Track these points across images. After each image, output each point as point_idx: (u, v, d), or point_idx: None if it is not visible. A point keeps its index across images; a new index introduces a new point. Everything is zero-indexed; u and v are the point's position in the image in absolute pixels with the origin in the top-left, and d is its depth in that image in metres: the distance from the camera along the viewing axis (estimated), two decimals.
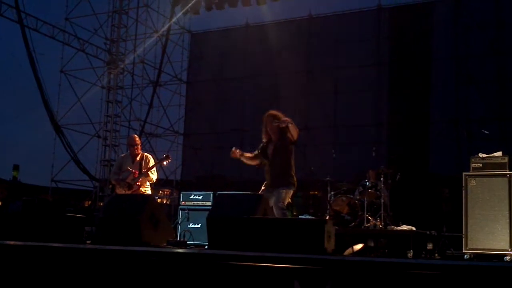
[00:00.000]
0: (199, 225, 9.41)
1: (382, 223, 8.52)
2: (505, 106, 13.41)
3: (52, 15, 16.16)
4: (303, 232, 5.18)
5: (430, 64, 14.66)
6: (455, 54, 14.17)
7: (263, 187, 6.64)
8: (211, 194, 9.86)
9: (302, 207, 10.77)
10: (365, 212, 8.64)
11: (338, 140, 14.86)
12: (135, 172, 7.44)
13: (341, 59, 15.40)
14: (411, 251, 7.46)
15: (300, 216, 9.25)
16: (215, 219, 6.05)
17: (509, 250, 6.50)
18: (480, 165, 6.90)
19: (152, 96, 16.23)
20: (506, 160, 6.79)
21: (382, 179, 9.03)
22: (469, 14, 13.90)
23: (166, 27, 16.07)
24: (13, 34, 15.75)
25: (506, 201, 6.61)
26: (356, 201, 9.04)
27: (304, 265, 3.75)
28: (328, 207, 9.19)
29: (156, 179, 7.74)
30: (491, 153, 6.97)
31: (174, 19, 15.93)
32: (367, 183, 9.24)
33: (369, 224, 8.60)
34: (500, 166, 6.79)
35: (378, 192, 8.95)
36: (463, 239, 6.80)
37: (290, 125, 6.34)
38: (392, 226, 8.50)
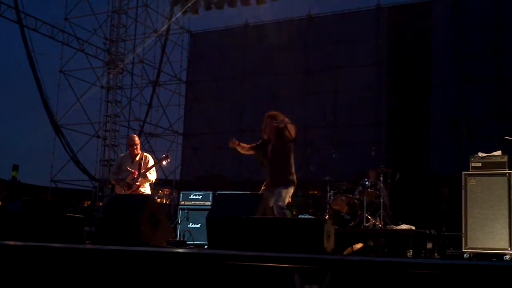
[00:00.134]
0: (198, 225, 9.41)
1: (382, 223, 8.52)
2: (504, 106, 13.41)
3: (51, 15, 16.17)
4: (303, 231, 5.18)
5: (429, 64, 14.66)
6: (455, 54, 14.16)
7: (263, 187, 6.65)
8: (211, 194, 9.86)
9: (301, 206, 10.77)
10: (365, 212, 8.64)
11: (338, 139, 14.85)
12: (134, 172, 7.44)
13: (340, 59, 15.40)
14: (411, 250, 7.46)
15: (299, 216, 9.25)
16: (215, 219, 6.05)
17: (509, 249, 6.51)
18: (480, 164, 6.90)
19: (152, 96, 16.23)
20: (505, 159, 6.79)
21: (381, 178, 9.03)
22: (468, 14, 13.89)
23: (165, 27, 16.07)
24: (12, 34, 15.73)
25: (506, 200, 6.61)
26: (356, 201, 9.04)
27: (304, 264, 3.75)
28: (328, 206, 9.19)
29: (155, 179, 7.74)
30: (491, 153, 6.97)
31: (173, 19, 15.93)
32: (367, 183, 9.24)
33: (368, 224, 8.60)
34: (500, 165, 6.79)
35: (377, 192, 8.96)
36: (463, 238, 6.80)
37: (288, 124, 6.36)
38: (392, 226, 8.51)
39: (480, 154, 6.97)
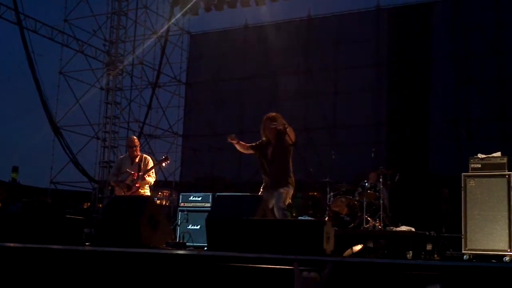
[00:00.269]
0: (198, 227, 9.40)
1: (382, 224, 8.52)
2: (504, 106, 13.42)
3: (51, 16, 16.19)
4: (302, 233, 5.18)
5: (429, 64, 14.67)
6: (455, 54, 14.17)
7: (261, 189, 6.65)
8: (210, 196, 9.84)
9: (301, 208, 10.77)
10: (365, 213, 8.63)
11: (337, 140, 14.85)
12: (134, 174, 7.43)
13: (340, 60, 15.41)
14: (411, 252, 7.45)
15: (299, 217, 9.24)
16: (214, 220, 6.05)
17: (508, 250, 6.50)
18: (479, 165, 6.89)
19: (151, 98, 16.23)
20: (505, 160, 6.78)
21: (381, 180, 9.02)
22: (468, 14, 13.91)
23: (165, 28, 16.08)
24: (12, 36, 15.74)
25: (505, 202, 6.60)
26: (356, 202, 9.03)
27: (303, 266, 3.75)
28: (327, 208, 9.19)
29: (154, 181, 7.74)
30: (491, 153, 6.97)
31: (173, 20, 15.94)
32: (366, 184, 9.23)
33: (368, 225, 8.59)
34: (499, 166, 6.78)
35: (377, 193, 8.95)
36: (462, 239, 6.79)
37: (288, 128, 6.37)
38: (392, 227, 8.50)
39: (479, 155, 6.96)
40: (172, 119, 17.71)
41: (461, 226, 6.82)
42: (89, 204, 15.54)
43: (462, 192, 6.86)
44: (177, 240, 8.45)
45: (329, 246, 5.16)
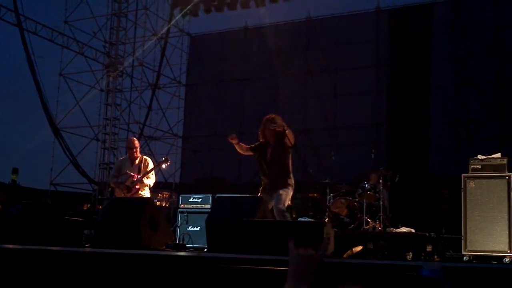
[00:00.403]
0: (198, 228, 9.39)
1: (381, 225, 8.51)
2: (504, 107, 13.42)
3: (51, 18, 16.19)
4: (302, 234, 5.18)
5: (429, 65, 14.67)
6: (455, 55, 14.17)
7: (261, 190, 6.65)
8: (210, 197, 9.84)
9: (301, 209, 10.77)
10: (364, 214, 8.63)
11: (337, 141, 14.85)
12: (134, 175, 7.43)
13: (340, 61, 15.41)
14: (410, 253, 7.45)
15: (299, 219, 9.24)
16: (214, 222, 6.05)
17: (508, 251, 6.50)
18: (479, 166, 6.90)
19: (151, 99, 16.23)
20: (505, 161, 6.79)
21: (381, 181, 9.02)
22: (468, 15, 13.91)
23: (165, 29, 16.08)
24: (12, 37, 15.75)
25: (505, 203, 6.60)
26: (355, 203, 9.03)
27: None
28: (327, 209, 9.19)
29: (154, 183, 7.74)
30: (491, 154, 6.97)
31: (173, 22, 15.95)
32: (366, 185, 9.23)
33: (368, 226, 8.59)
34: (499, 167, 6.79)
35: (377, 194, 8.95)
36: (462, 241, 6.79)
37: (287, 130, 6.38)
38: (391, 228, 8.50)
39: (479, 156, 6.96)
40: (172, 121, 17.74)
41: (461, 227, 6.83)
42: (89, 205, 15.54)
43: (462, 193, 6.87)
44: (177, 242, 8.45)
45: (329, 247, 5.16)
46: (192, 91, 18.10)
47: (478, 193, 6.75)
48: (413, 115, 14.44)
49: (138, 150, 7.76)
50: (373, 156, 10.01)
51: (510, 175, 6.67)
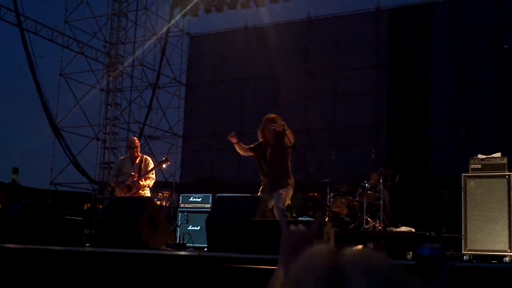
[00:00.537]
0: (198, 227, 9.39)
1: (382, 225, 8.52)
2: (504, 107, 13.42)
3: (51, 18, 16.18)
4: None
5: (429, 65, 14.68)
6: (455, 55, 14.17)
7: (261, 190, 6.66)
8: (210, 196, 9.84)
9: (301, 209, 10.77)
10: (365, 214, 8.64)
11: (337, 141, 14.85)
12: (134, 175, 7.44)
13: (340, 61, 15.42)
14: (411, 252, 7.45)
15: (299, 218, 9.25)
16: (215, 221, 6.06)
17: (508, 251, 6.50)
18: (479, 166, 6.90)
19: (151, 99, 16.23)
20: (505, 161, 6.79)
21: (381, 180, 9.03)
22: (468, 15, 13.91)
23: (165, 29, 16.08)
24: (12, 37, 15.75)
25: (505, 202, 6.60)
26: (356, 203, 9.03)
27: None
28: (327, 209, 9.19)
29: (154, 183, 7.74)
30: (491, 154, 6.97)
31: (173, 22, 15.94)
32: (367, 185, 9.24)
33: (368, 226, 8.59)
34: (499, 167, 6.79)
35: (377, 194, 8.95)
36: (463, 240, 6.79)
37: (287, 130, 6.38)
38: (392, 228, 8.50)
39: (479, 156, 6.96)
40: (172, 120, 17.74)
41: (461, 227, 6.83)
42: (89, 205, 15.54)
43: (462, 192, 6.87)
44: (177, 241, 8.45)
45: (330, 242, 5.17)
46: (192, 91, 18.11)
47: (478, 193, 6.74)
48: (413, 115, 14.45)
49: (139, 149, 7.77)
50: (373, 156, 10.01)
51: (510, 174, 6.67)
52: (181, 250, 6.34)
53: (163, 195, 17.29)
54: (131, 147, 7.71)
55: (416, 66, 14.69)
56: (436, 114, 14.40)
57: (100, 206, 14.33)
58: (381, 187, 8.94)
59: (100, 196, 14.77)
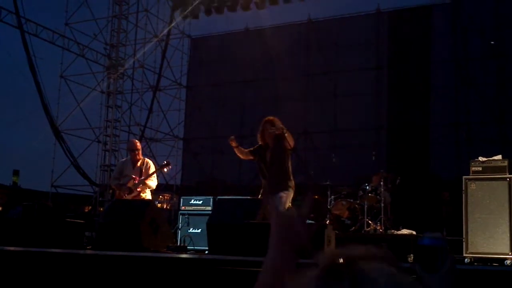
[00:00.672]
0: (199, 230, 9.39)
1: (383, 227, 8.51)
2: (505, 109, 13.41)
3: (52, 20, 16.19)
4: None
5: (429, 67, 14.67)
6: (455, 57, 14.17)
7: (261, 192, 6.66)
8: (211, 199, 9.84)
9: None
10: (366, 216, 8.63)
11: (338, 143, 14.85)
12: (135, 178, 7.43)
13: (341, 63, 15.42)
14: (412, 255, 7.45)
15: None
16: (215, 224, 6.06)
17: (510, 254, 6.48)
18: (480, 168, 6.89)
19: (152, 101, 16.24)
20: (506, 163, 6.78)
21: (382, 183, 9.02)
22: (468, 17, 13.91)
23: (165, 31, 16.09)
24: (13, 39, 15.77)
25: (506, 205, 6.59)
26: (356, 205, 9.02)
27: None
28: (328, 211, 9.18)
29: (155, 185, 7.74)
30: (491, 156, 6.96)
31: (173, 24, 15.95)
32: (367, 187, 9.23)
33: (369, 228, 8.59)
34: (500, 169, 6.78)
35: (378, 196, 8.94)
36: (463, 243, 6.78)
37: (286, 133, 6.38)
38: (393, 230, 8.49)
39: (480, 158, 6.96)
40: (173, 123, 17.74)
41: (462, 229, 6.82)
42: (90, 207, 15.54)
43: (463, 195, 6.86)
44: (178, 244, 8.45)
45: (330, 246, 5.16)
46: (193, 93, 18.12)
47: (479, 195, 6.74)
48: (413, 117, 14.44)
49: (140, 152, 7.76)
50: (373, 158, 10.00)
51: (511, 177, 6.66)
52: (182, 253, 6.34)
53: (164, 197, 17.28)
54: (132, 149, 7.70)
55: (416, 67, 14.69)
56: (437, 116, 14.40)
57: (101, 209, 14.33)
58: (382, 189, 8.94)
59: (101, 199, 14.76)
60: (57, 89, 15.54)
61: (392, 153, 14.24)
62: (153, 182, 7.56)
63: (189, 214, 9.80)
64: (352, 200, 9.20)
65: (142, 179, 7.42)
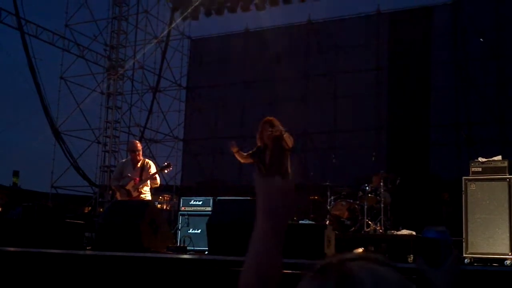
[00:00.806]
0: (199, 231, 9.39)
1: (382, 228, 8.51)
2: (505, 110, 13.41)
3: (52, 21, 16.21)
4: (303, 237, 5.18)
5: (429, 68, 14.68)
6: (455, 58, 14.17)
7: None
8: (211, 200, 9.84)
9: (301, 212, 10.75)
10: (365, 217, 8.63)
11: (338, 144, 14.85)
12: (135, 179, 7.43)
13: (341, 64, 15.42)
14: (412, 255, 7.45)
15: (300, 221, 9.24)
16: (215, 224, 6.05)
17: (509, 254, 6.48)
18: (480, 169, 6.89)
19: (152, 102, 16.25)
20: (505, 164, 6.78)
21: (381, 183, 9.02)
22: (468, 18, 13.91)
23: (165, 32, 16.10)
24: (13, 41, 15.76)
25: (506, 205, 6.59)
26: (356, 206, 9.02)
27: (304, 270, 3.73)
28: (328, 212, 9.18)
29: (159, 182, 7.75)
30: (492, 157, 6.96)
31: (173, 25, 15.96)
32: (367, 188, 9.22)
33: (369, 229, 8.58)
34: (500, 170, 6.78)
35: (378, 197, 8.94)
36: (463, 243, 6.78)
37: (285, 134, 6.38)
38: (392, 231, 8.49)
39: (480, 159, 6.96)
40: (173, 124, 17.75)
41: (462, 230, 6.82)
42: (89, 208, 15.54)
43: (463, 195, 6.86)
44: (178, 244, 8.45)
45: (330, 250, 5.16)
46: (193, 94, 18.12)
47: (479, 196, 6.74)
48: (413, 117, 14.44)
49: (140, 153, 7.76)
50: (373, 158, 10.00)
51: (511, 177, 6.66)
52: (181, 254, 6.34)
53: (164, 198, 17.30)
54: (133, 150, 7.70)
55: (416, 68, 14.69)
56: (437, 117, 14.40)
57: (101, 209, 14.33)
58: (382, 190, 8.93)
59: (100, 199, 14.77)
60: (57, 90, 15.57)
61: (392, 154, 14.24)
62: (155, 182, 7.57)
63: (189, 215, 9.80)
64: (352, 201, 9.19)
65: (142, 180, 7.42)
